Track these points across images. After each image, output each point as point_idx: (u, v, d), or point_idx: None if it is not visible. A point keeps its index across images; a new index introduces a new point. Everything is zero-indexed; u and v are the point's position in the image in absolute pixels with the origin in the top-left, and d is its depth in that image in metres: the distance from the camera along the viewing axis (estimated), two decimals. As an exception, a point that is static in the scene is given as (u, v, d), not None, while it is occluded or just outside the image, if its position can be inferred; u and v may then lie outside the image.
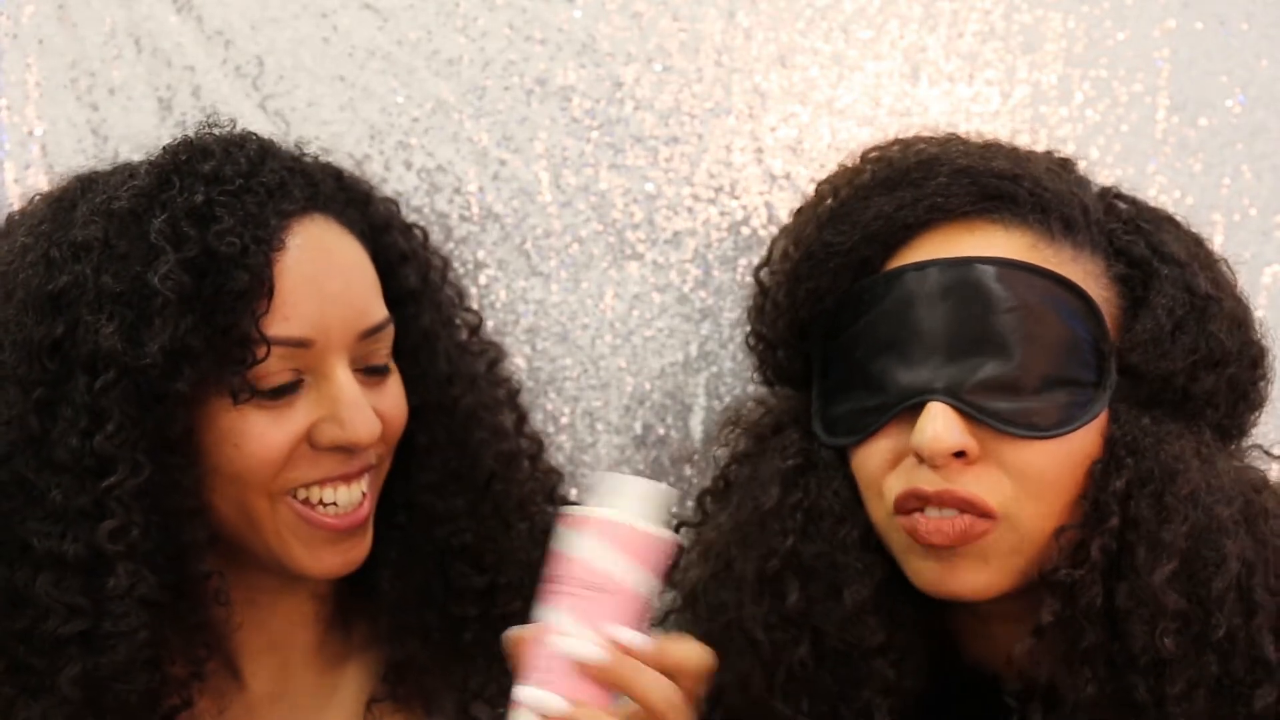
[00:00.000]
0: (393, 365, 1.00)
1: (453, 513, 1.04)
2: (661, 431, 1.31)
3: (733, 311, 1.31)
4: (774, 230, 1.10)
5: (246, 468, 0.92)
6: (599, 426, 1.31)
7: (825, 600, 0.95)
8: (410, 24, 1.28)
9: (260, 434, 0.91)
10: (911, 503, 0.91)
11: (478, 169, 1.29)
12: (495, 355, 1.15)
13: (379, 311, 0.98)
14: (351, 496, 0.96)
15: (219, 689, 0.99)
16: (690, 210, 1.31)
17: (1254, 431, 1.01)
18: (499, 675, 1.04)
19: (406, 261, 1.04)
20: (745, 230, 1.31)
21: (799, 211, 1.05)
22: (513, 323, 1.30)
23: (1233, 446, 0.98)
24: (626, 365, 1.31)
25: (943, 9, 1.32)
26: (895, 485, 0.92)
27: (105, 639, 0.88)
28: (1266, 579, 0.87)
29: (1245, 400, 0.99)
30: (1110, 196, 1.03)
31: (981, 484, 0.90)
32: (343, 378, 0.94)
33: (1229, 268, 1.01)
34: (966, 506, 0.89)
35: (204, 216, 0.90)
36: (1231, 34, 1.33)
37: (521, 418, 1.15)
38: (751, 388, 1.21)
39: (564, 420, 1.31)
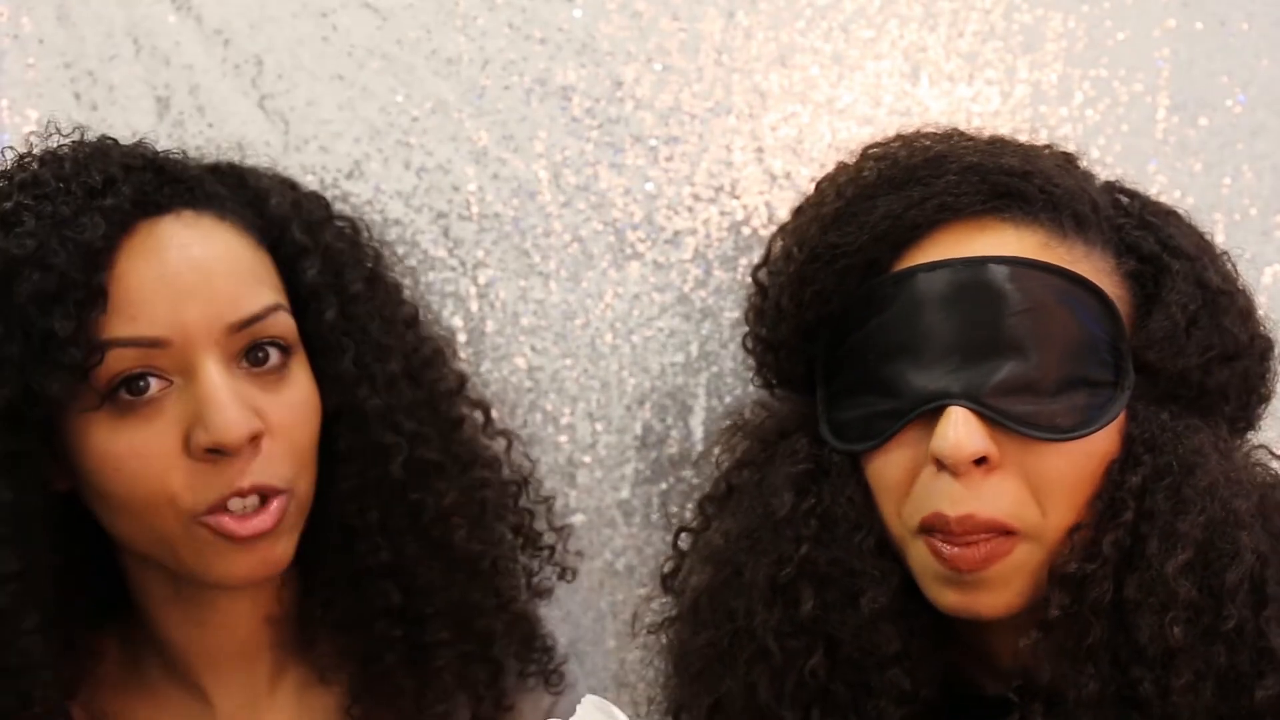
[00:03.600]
0: (296, 364, 0.95)
1: (368, 526, 0.98)
2: (661, 431, 1.31)
3: (733, 311, 1.31)
4: (774, 230, 1.09)
5: (135, 487, 0.89)
6: (599, 426, 1.31)
7: (841, 608, 0.93)
8: (410, 23, 1.28)
9: (133, 450, 0.88)
10: (934, 523, 0.89)
11: (478, 169, 1.29)
12: (432, 351, 1.08)
13: (256, 301, 0.93)
14: (247, 501, 0.91)
15: (186, 713, 0.98)
16: (690, 210, 1.31)
17: (1257, 434, 1.01)
18: (429, 708, 1.01)
19: (306, 255, 0.99)
20: (745, 230, 1.31)
21: (799, 210, 1.03)
22: (512, 323, 1.29)
23: (1238, 441, 0.97)
24: (626, 365, 1.31)
25: (943, 9, 1.32)
26: (916, 508, 0.91)
27: None
28: (1279, 573, 0.87)
29: (1256, 394, 0.98)
30: (1115, 191, 1.02)
31: (1003, 500, 0.88)
32: (211, 375, 0.89)
33: (1231, 261, 1.01)
34: (990, 530, 0.88)
35: (6, 223, 0.88)
36: (1231, 34, 1.33)
37: (459, 421, 1.08)
38: (752, 389, 1.21)
39: (564, 420, 1.31)
